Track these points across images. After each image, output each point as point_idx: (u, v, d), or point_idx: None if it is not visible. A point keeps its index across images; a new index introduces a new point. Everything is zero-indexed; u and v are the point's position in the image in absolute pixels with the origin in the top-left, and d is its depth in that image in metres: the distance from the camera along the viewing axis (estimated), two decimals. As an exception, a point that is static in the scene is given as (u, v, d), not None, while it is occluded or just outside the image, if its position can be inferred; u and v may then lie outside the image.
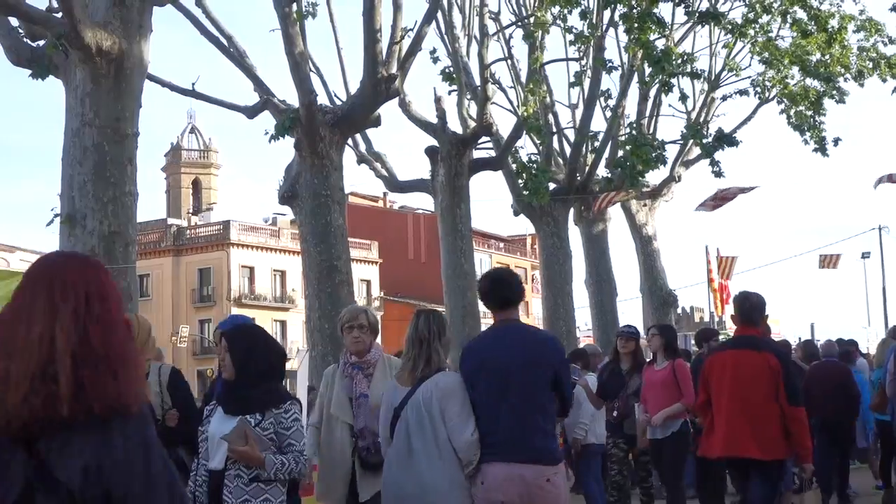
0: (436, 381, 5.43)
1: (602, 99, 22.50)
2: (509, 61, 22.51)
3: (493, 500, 5.31)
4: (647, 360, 9.98)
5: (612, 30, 21.58)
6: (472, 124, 19.67)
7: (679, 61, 19.55)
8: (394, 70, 15.79)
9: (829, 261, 33.59)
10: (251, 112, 17.04)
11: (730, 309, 37.55)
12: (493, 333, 5.73)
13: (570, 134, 23.41)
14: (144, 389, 2.69)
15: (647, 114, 25.26)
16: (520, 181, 20.70)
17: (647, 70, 19.86)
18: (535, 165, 20.20)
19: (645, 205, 27.89)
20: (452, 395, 5.39)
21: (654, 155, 18.89)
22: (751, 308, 7.27)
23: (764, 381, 6.91)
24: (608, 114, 22.62)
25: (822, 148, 24.81)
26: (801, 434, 6.94)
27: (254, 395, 5.10)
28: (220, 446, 5.05)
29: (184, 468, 6.14)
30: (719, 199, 23.09)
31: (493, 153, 21.18)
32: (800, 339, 22.34)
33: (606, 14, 20.40)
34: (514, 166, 21.28)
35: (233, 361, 5.18)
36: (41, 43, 12.28)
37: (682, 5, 20.09)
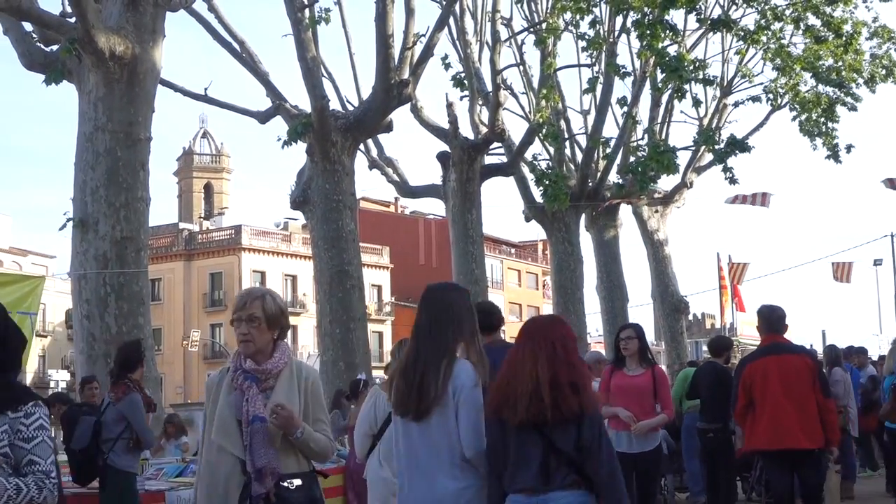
0: None
1: (617, 105, 22.46)
2: (521, 67, 22.50)
3: None
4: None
5: (624, 35, 21.55)
6: (484, 130, 19.68)
7: (692, 67, 19.50)
8: (406, 76, 15.80)
9: (842, 274, 33.33)
10: (263, 117, 17.06)
11: (741, 315, 37.41)
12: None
13: (582, 140, 23.37)
14: (598, 401, 4.44)
15: (660, 119, 25.20)
16: (539, 188, 20.60)
17: (660, 76, 19.80)
18: (553, 173, 20.16)
19: (657, 211, 27.83)
20: None
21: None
22: (778, 319, 8.18)
23: (805, 379, 7.85)
24: (622, 120, 22.56)
25: (834, 155, 24.70)
26: (833, 422, 7.91)
27: None
28: None
29: None
30: (741, 200, 23.26)
31: (504, 159, 21.18)
32: (811, 345, 22.26)
33: (618, 20, 20.36)
34: (531, 174, 21.25)
35: None
36: (54, 48, 12.33)
37: (694, 12, 20.05)
